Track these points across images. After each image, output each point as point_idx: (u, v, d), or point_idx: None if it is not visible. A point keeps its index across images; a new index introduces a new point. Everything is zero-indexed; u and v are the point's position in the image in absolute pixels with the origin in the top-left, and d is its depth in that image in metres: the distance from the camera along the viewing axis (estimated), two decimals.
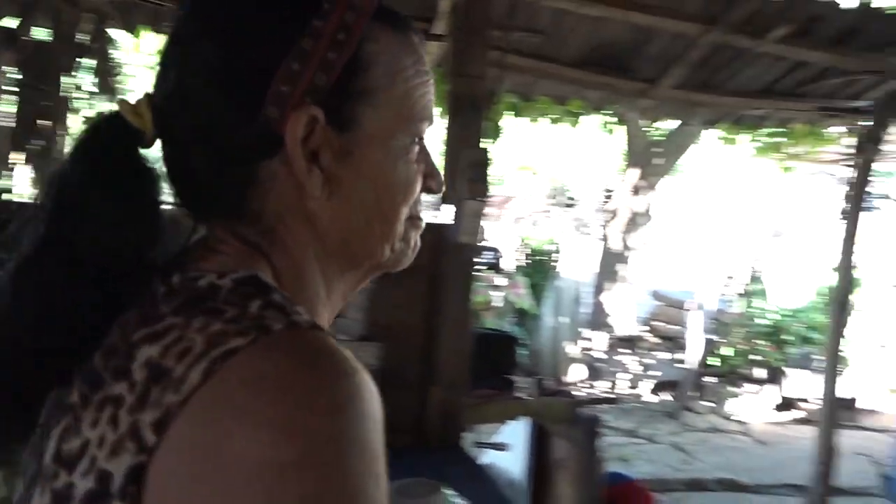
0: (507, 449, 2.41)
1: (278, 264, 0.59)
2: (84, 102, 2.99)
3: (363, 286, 0.68)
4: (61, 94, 2.84)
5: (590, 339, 7.98)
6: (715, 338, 7.59)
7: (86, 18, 2.96)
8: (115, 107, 0.59)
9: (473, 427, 2.47)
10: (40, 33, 2.88)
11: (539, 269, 9.21)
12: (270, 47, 0.57)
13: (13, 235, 0.58)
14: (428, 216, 0.76)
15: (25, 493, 0.56)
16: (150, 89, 0.61)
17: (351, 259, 0.64)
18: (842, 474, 3.78)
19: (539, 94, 4.03)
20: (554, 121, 4.47)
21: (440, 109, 2.42)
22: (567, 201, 11.73)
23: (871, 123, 3.71)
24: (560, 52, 3.59)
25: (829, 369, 3.82)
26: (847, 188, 3.94)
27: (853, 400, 6.77)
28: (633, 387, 7.57)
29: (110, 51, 3.06)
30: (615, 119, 5.61)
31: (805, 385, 6.83)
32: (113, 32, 3.12)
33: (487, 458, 2.45)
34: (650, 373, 7.69)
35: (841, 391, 4.73)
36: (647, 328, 8.68)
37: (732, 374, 7.45)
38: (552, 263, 9.08)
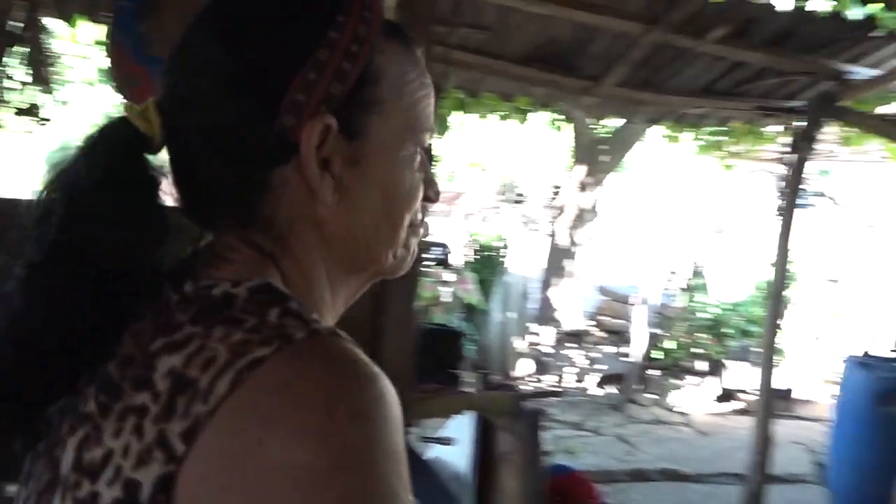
0: (452, 443, 2.43)
1: (287, 270, 0.60)
2: (16, 92, 2.90)
3: (363, 291, 0.70)
4: None
5: (537, 334, 8.07)
6: (658, 331, 7.75)
7: (18, 6, 2.86)
8: (121, 111, 0.60)
9: (419, 422, 2.48)
10: None
11: (487, 264, 9.26)
12: (287, 57, 0.58)
13: (18, 239, 0.58)
14: None
15: (38, 500, 0.56)
16: (158, 94, 0.61)
17: (356, 264, 0.66)
18: (778, 462, 3.89)
19: (486, 91, 4.06)
20: (502, 117, 4.51)
21: None
22: (516, 198, 11.82)
23: (806, 123, 3.83)
24: (506, 49, 3.61)
25: (766, 361, 3.92)
26: (783, 186, 4.06)
27: (789, 391, 7.00)
28: (579, 380, 7.69)
29: (44, 40, 2.96)
30: (563, 116, 5.69)
31: (744, 377, 7.03)
32: (47, 21, 3.02)
33: (433, 452, 2.46)
34: (596, 366, 7.82)
35: (777, 382, 4.89)
36: (594, 323, 8.82)
37: (675, 367, 7.63)
38: (500, 259, 9.14)
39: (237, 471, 0.47)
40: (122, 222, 0.56)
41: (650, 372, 7.52)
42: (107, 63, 2.10)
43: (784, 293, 4.22)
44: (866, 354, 4.74)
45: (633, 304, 7.96)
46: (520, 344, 7.66)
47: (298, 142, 0.58)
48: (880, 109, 3.94)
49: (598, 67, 3.75)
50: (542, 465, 2.42)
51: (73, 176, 0.57)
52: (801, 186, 4.01)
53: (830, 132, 4.84)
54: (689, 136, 5.22)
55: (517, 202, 11.55)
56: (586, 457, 5.39)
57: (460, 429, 2.45)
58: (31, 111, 3.15)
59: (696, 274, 8.40)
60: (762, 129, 4.77)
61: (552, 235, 8.85)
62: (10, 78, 2.85)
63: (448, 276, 8.09)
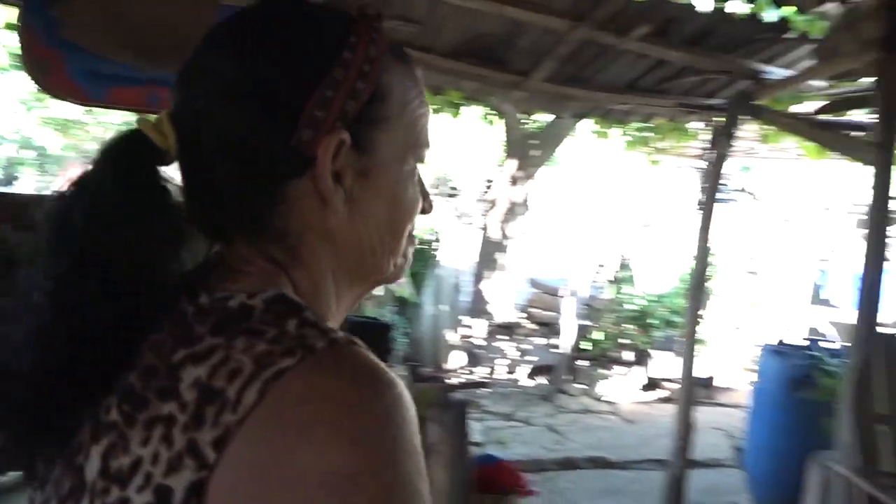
0: None
1: (298, 280, 0.63)
2: None
3: (364, 299, 0.73)
4: None
5: (469, 327, 8.13)
6: (587, 323, 7.92)
7: None
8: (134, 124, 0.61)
9: None
10: None
11: (420, 257, 9.24)
12: (306, 75, 0.61)
13: (37, 248, 0.60)
14: None
15: None
16: (171, 108, 0.63)
17: (361, 273, 0.69)
18: (699, 448, 4.03)
19: None
20: (435, 111, 4.51)
21: None
22: (449, 191, 11.86)
23: (724, 120, 3.97)
24: (435, 43, 3.62)
25: (688, 350, 4.05)
26: (703, 181, 4.20)
27: (710, 378, 7.26)
28: (510, 372, 7.78)
29: None
30: (493, 111, 5.73)
31: (669, 366, 7.25)
32: None
33: None
34: (527, 358, 7.93)
35: (699, 371, 5.07)
36: (525, 315, 8.94)
37: (603, 357, 7.80)
38: (433, 252, 9.16)
39: (266, 479, 0.49)
40: (144, 234, 0.58)
41: (579, 362, 7.68)
42: (18, 47, 2.01)
43: (705, 285, 4.36)
44: (781, 343, 4.91)
45: (562, 297, 8.11)
46: (452, 337, 7.70)
47: (315, 155, 0.61)
48: (793, 108, 4.11)
49: (526, 63, 3.80)
50: (469, 456, 2.44)
51: (93, 187, 0.59)
52: (720, 182, 4.16)
53: (750, 130, 5.04)
54: (618, 132, 5.33)
55: (451, 196, 11.59)
56: (517, 447, 5.47)
57: None
58: None
59: (624, 266, 8.60)
60: (685, 126, 4.93)
61: (484, 229, 8.92)
62: None
63: None
